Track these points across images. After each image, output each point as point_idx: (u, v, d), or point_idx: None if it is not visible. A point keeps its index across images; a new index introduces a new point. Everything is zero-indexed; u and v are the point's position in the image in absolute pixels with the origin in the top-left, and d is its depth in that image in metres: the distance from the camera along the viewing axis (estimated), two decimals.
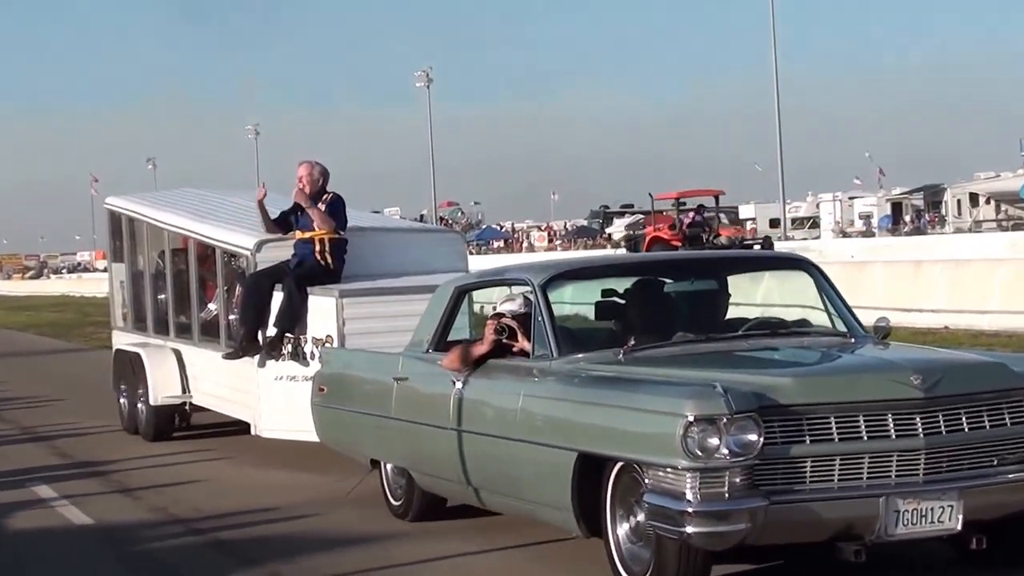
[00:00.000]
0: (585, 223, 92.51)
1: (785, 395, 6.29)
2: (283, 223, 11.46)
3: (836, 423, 6.27)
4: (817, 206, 79.86)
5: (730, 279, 8.45)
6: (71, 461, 12.37)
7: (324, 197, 11.25)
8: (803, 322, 8.08)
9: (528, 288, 7.87)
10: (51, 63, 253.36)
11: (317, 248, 11.11)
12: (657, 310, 8.19)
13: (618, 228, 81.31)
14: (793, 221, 77.75)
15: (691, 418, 6.08)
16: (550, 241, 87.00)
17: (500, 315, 7.94)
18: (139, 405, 13.20)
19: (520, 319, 7.87)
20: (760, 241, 47.17)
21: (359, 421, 9.09)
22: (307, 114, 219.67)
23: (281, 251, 11.32)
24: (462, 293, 8.76)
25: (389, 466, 8.97)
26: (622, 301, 8.22)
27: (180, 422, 13.21)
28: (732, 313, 8.28)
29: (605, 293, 8.33)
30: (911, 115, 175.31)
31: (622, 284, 8.37)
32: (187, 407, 12.99)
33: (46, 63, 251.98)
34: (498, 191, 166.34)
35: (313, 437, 10.05)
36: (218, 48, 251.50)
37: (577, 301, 8.94)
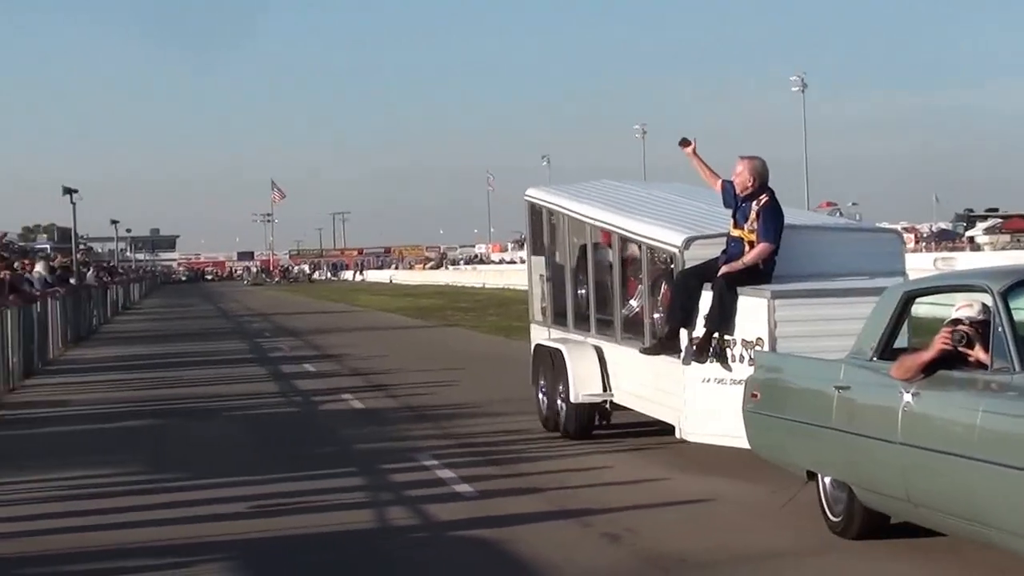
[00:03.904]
0: (948, 226, 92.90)
1: None
2: (725, 194, 11.57)
3: None
4: None
5: None
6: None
7: (760, 199, 11.26)
8: None
9: (986, 295, 7.68)
10: (452, 60, 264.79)
11: (747, 249, 11.17)
12: None
13: (978, 232, 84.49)
14: None
15: None
16: (916, 243, 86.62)
17: (957, 321, 7.79)
18: (559, 402, 13.64)
19: (978, 326, 7.70)
20: None
21: (795, 430, 9.11)
22: (694, 106, 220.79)
23: (710, 249, 11.44)
24: (911, 298, 8.63)
25: (827, 479, 8.94)
26: None
27: (600, 420, 13.53)
28: None
29: None
30: None
31: None
32: (608, 405, 13.30)
33: (446, 62, 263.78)
34: (881, 190, 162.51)
35: (742, 444, 10.13)
36: (607, 47, 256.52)
37: None
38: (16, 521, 10.43)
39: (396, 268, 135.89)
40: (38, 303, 26.15)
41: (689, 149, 12.12)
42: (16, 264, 28.23)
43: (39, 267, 31.19)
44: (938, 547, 8.24)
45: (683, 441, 11.55)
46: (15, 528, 10.17)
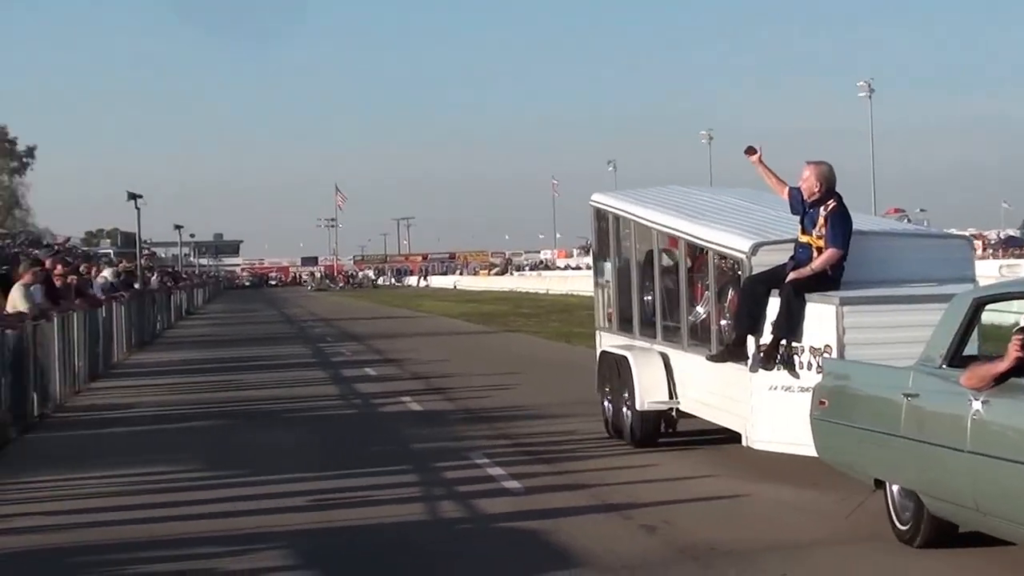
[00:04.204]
0: (1016, 233, 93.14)
1: None
2: (793, 200, 11.56)
3: None
4: None
5: None
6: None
7: (828, 204, 11.23)
8: None
9: None
10: (509, 67, 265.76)
11: (815, 255, 11.16)
12: None
13: None
14: None
15: None
16: (983, 250, 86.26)
17: None
18: (624, 409, 13.66)
19: None
20: None
21: (863, 438, 9.10)
22: (755, 116, 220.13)
23: (777, 255, 11.43)
24: (980, 305, 8.61)
25: (895, 488, 8.94)
26: None
27: (666, 428, 13.54)
28: None
29: None
30: None
31: None
32: (674, 413, 13.31)
33: (512, 67, 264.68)
34: (949, 197, 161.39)
35: (809, 452, 10.12)
36: (671, 50, 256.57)
37: None
38: (82, 513, 10.75)
39: (461, 274, 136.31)
40: (103, 307, 26.51)
41: (755, 157, 12.12)
42: (81, 268, 28.62)
43: (106, 273, 31.63)
44: (1012, 556, 8.22)
45: (737, 444, 11.60)
46: (81, 519, 10.49)
